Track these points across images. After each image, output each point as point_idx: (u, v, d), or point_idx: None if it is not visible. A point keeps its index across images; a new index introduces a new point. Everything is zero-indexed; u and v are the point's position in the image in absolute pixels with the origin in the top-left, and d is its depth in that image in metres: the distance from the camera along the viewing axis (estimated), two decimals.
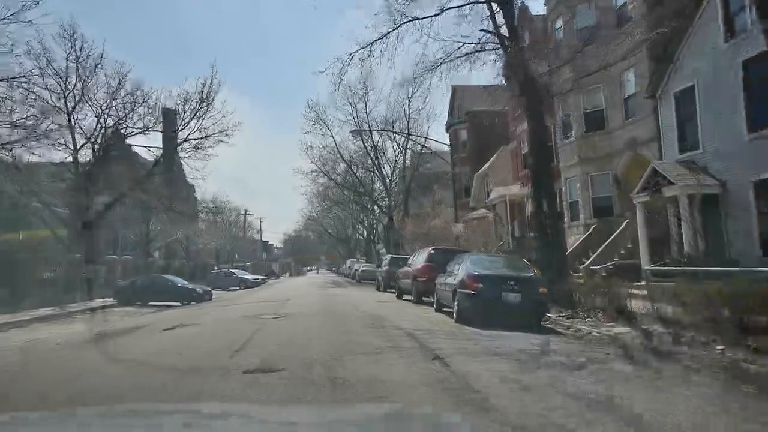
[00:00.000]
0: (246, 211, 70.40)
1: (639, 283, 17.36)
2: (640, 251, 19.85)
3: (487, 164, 38.57)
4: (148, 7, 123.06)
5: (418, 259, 20.53)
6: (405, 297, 22.34)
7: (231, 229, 62.99)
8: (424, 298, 19.66)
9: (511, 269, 13.43)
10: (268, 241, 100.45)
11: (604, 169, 24.47)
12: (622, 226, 21.70)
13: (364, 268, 43.95)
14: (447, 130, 45.72)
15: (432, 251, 19.67)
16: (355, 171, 45.88)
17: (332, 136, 43.58)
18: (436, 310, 16.05)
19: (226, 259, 68.63)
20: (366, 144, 44.22)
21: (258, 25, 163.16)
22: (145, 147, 32.13)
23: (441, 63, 19.27)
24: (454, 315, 13.30)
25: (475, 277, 12.50)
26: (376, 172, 45.48)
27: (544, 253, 16.33)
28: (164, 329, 13.32)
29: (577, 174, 25.23)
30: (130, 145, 34.79)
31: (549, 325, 13.03)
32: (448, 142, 46.30)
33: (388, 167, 46.68)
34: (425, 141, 42.06)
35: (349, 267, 56.84)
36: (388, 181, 45.34)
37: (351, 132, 31.17)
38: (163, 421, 2.65)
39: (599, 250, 21.68)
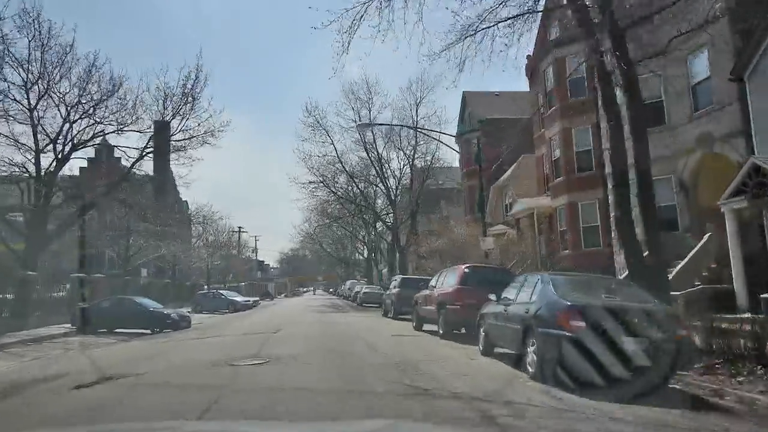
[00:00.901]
0: (240, 228, 65.45)
1: (742, 315, 12.59)
2: (733, 273, 15.02)
3: (506, 174, 33.92)
4: (131, 13, 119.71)
5: (447, 281, 15.63)
6: (426, 327, 17.41)
7: (223, 246, 57.83)
8: (456, 331, 14.77)
9: (621, 297, 8.50)
10: (263, 261, 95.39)
11: (664, 173, 19.70)
12: (704, 241, 16.86)
13: (366, 290, 38.89)
14: (458, 140, 41.11)
15: (466, 270, 14.78)
16: (357, 183, 41.07)
17: (333, 144, 38.87)
18: (484, 353, 11.12)
19: (218, 278, 63.47)
20: (370, 154, 39.53)
21: (252, 36, 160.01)
22: (116, 147, 27.06)
23: (477, 28, 14.44)
24: (530, 368, 8.36)
25: (573, 311, 7.57)
26: (381, 185, 40.72)
27: (634, 276, 11.44)
28: (81, 385, 8.36)
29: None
30: (107, 147, 30.14)
31: (679, 386, 8.10)
32: (458, 154, 41.74)
33: (393, 180, 41.92)
34: (437, 145, 37.37)
35: (348, 288, 51.72)
36: (393, 193, 40.47)
37: (358, 126, 26.72)
38: None
39: (674, 271, 16.83)
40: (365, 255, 62.58)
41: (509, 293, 10.46)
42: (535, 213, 27.16)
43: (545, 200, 27.78)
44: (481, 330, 11.45)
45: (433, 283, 17.09)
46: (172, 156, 27.45)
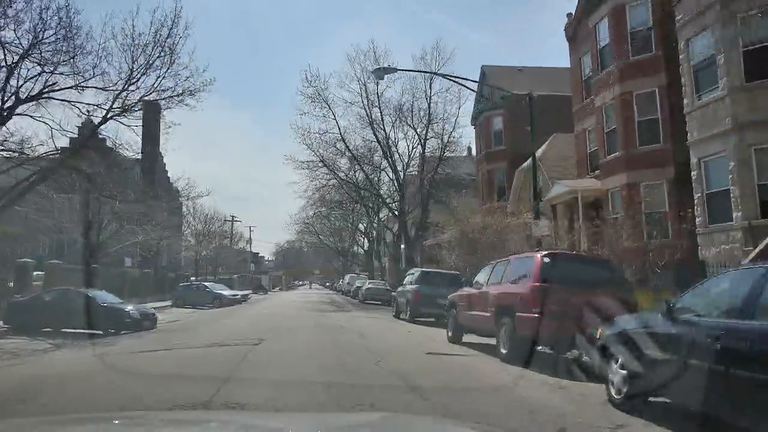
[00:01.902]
0: (233, 217, 60.05)
1: None
2: None
3: (538, 152, 28.59)
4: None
5: (509, 276, 10.33)
6: (467, 338, 12.21)
7: (212, 235, 52.41)
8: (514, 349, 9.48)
9: None
10: (258, 253, 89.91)
11: None
12: None
13: (370, 286, 33.50)
14: (474, 121, 35.88)
15: (546, 260, 9.41)
16: (362, 166, 35.66)
17: (335, 118, 33.46)
18: (623, 406, 5.89)
19: (209, 270, 58.03)
20: (377, 133, 34.16)
21: (251, 32, 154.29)
22: (70, 101, 21.42)
23: None
24: None
25: None
26: (388, 168, 35.34)
27: None
28: None
29: (727, 149, 15.21)
30: (91, 128, 24.83)
31: None
32: (474, 136, 36.61)
33: (400, 164, 36.56)
34: (454, 123, 31.97)
35: (348, 283, 46.27)
36: (402, 175, 35.02)
37: (374, 72, 21.69)
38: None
39: None
40: (365, 247, 57.27)
41: (701, 300, 5.22)
42: (579, 197, 21.92)
43: (591, 182, 22.61)
44: (615, 364, 6.19)
45: (481, 278, 11.78)
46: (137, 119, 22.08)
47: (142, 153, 43.10)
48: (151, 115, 40.36)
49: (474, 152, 41.00)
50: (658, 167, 18.96)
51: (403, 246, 37.02)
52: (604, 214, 20.95)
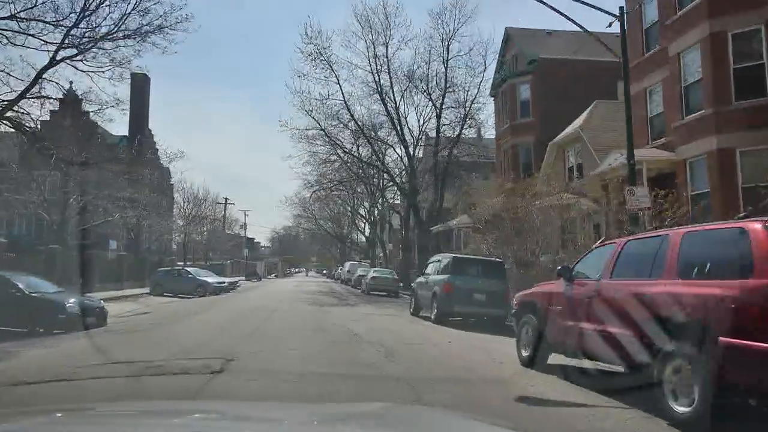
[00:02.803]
0: (226, 199, 55.09)
1: None
2: None
3: (573, 126, 23.96)
4: None
5: (675, 263, 5.51)
6: (555, 359, 7.47)
7: (201, 220, 47.45)
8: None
9: None
10: (254, 238, 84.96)
11: None
12: None
13: (376, 275, 28.61)
14: (496, 89, 30.99)
15: None
16: (367, 137, 30.72)
17: (338, 82, 28.58)
18: None
19: (199, 255, 53.19)
20: (386, 103, 29.27)
21: (249, 15, 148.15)
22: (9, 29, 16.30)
23: None
24: None
25: None
26: (398, 142, 30.44)
27: None
28: None
29: None
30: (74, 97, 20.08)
31: None
32: (495, 108, 31.77)
33: (411, 139, 31.70)
34: (478, 88, 27.07)
35: (348, 271, 41.35)
36: (412, 150, 30.17)
37: None
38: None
39: None
40: (366, 233, 52.45)
41: None
42: (644, 169, 17.13)
43: (656, 152, 17.87)
44: None
45: (588, 267, 6.96)
46: (92, 61, 17.23)
47: (129, 129, 37.70)
48: (138, 89, 34.93)
49: (485, 134, 36.26)
50: (763, 128, 14.23)
51: (411, 231, 32.33)
52: (679, 191, 16.21)
